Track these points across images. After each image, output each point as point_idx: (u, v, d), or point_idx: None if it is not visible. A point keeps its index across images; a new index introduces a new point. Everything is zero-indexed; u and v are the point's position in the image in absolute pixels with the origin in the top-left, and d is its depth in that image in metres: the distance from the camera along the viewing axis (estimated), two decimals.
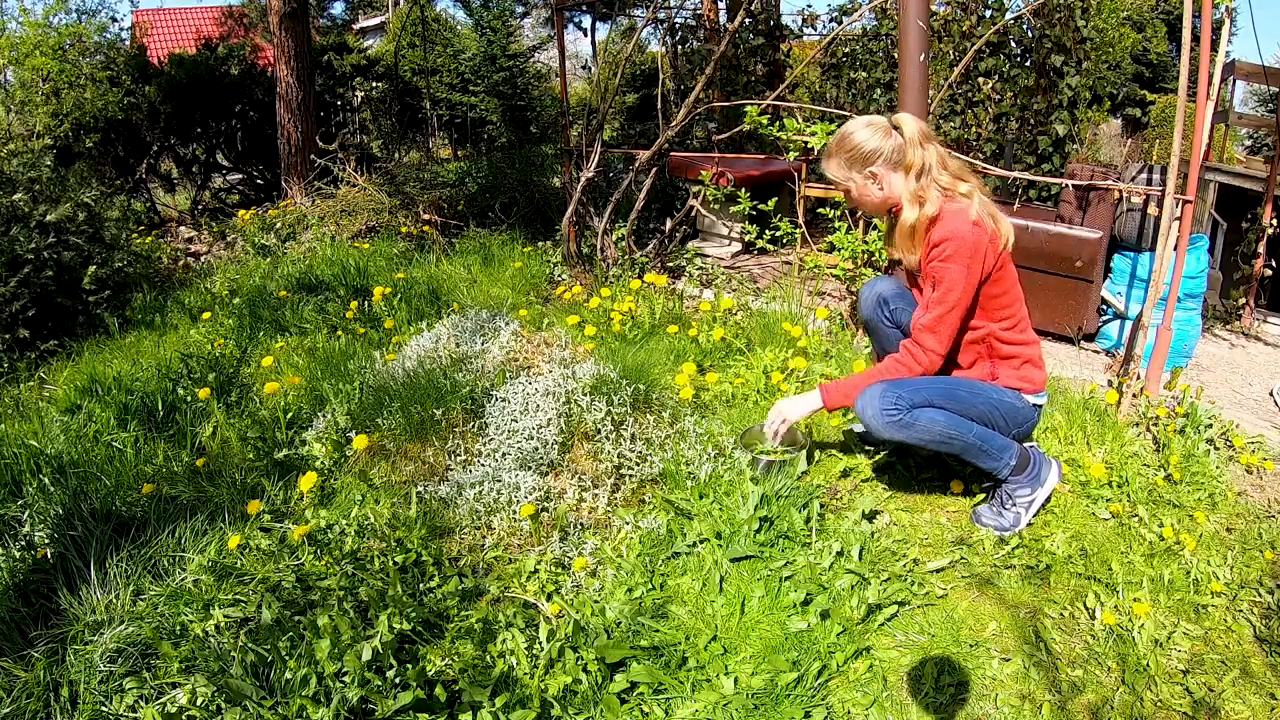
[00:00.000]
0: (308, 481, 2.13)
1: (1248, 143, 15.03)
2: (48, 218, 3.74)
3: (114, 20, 6.76)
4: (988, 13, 4.94)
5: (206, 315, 3.64)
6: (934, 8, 4.82)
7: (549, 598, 1.85)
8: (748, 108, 3.49)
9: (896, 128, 1.97)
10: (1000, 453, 2.02)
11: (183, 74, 6.67)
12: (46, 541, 1.99)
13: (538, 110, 10.71)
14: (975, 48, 4.07)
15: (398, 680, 1.52)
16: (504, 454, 2.30)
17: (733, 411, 2.66)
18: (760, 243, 3.89)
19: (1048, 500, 2.16)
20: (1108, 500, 2.23)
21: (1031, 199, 4.52)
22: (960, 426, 1.95)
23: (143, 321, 3.80)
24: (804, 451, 2.30)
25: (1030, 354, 2.07)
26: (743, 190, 4.11)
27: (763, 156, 5.74)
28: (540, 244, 4.75)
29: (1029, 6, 4.88)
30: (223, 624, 1.70)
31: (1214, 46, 2.59)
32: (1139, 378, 2.83)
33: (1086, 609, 1.86)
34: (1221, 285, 4.13)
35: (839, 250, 3.39)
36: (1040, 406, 2.12)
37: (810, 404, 2.14)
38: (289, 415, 2.59)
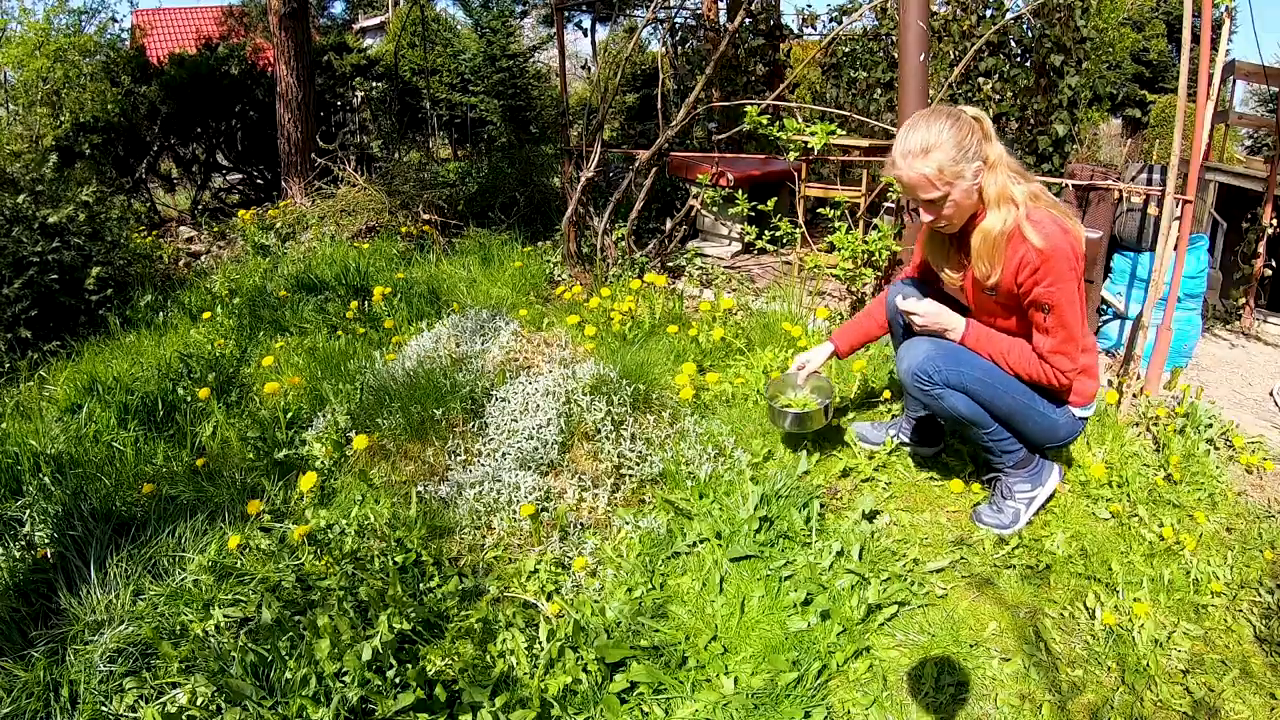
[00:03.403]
0: (308, 481, 2.13)
1: (1248, 143, 15.02)
2: (50, 220, 3.74)
3: (114, 20, 6.76)
4: (988, 13, 4.95)
5: (206, 315, 3.64)
6: (934, 8, 4.82)
7: (549, 598, 1.85)
8: (748, 108, 3.49)
9: (976, 119, 1.73)
10: (1005, 454, 2.03)
11: (183, 74, 6.66)
12: (46, 541, 1.99)
13: (538, 110, 10.70)
14: (975, 48, 4.07)
15: (398, 680, 1.53)
16: (504, 454, 2.30)
17: (733, 411, 2.65)
18: (760, 243, 3.89)
19: (1047, 501, 2.16)
20: (1108, 500, 2.23)
21: None
22: (978, 417, 1.95)
23: (143, 321, 3.80)
24: (829, 402, 2.29)
25: (1086, 362, 1.90)
26: (740, 191, 4.10)
27: (763, 156, 5.74)
28: (540, 244, 4.74)
29: (1029, 6, 4.88)
30: (223, 624, 1.70)
31: (1214, 46, 2.59)
32: (1139, 378, 2.83)
33: (1086, 609, 1.86)
34: (1221, 285, 4.14)
35: (839, 250, 3.39)
36: (1085, 419, 2.02)
37: (955, 331, 1.94)
38: (289, 415, 2.59)
